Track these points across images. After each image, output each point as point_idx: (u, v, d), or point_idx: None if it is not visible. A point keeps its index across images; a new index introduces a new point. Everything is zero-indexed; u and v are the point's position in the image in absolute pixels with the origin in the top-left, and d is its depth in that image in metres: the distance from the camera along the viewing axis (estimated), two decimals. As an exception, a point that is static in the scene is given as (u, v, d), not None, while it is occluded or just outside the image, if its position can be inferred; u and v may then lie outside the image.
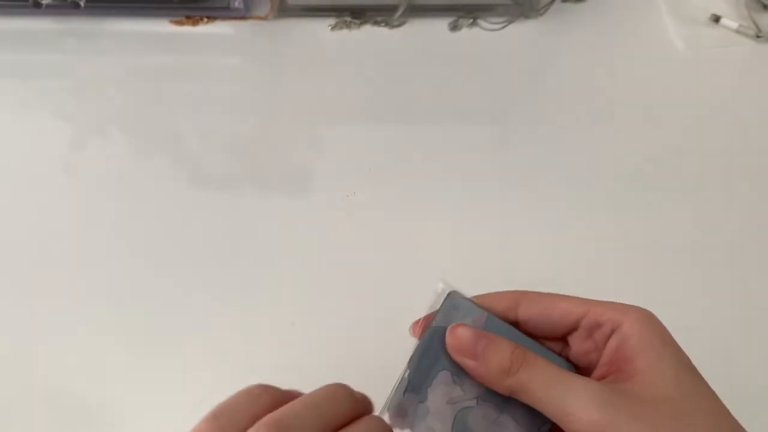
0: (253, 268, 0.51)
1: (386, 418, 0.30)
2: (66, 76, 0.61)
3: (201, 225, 0.53)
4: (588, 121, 0.59)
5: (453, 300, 0.32)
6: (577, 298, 0.31)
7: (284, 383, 0.46)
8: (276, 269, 0.51)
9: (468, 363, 0.29)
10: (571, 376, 0.27)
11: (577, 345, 0.31)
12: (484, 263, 0.51)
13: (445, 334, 0.31)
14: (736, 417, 0.27)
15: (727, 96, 0.60)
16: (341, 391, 0.28)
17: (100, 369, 0.47)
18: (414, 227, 0.53)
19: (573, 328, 0.31)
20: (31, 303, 0.50)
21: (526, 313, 0.31)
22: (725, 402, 0.27)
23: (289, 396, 0.28)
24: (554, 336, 0.32)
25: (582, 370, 0.31)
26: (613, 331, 0.29)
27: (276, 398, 0.28)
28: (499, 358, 0.28)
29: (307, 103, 0.59)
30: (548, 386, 0.27)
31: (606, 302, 0.30)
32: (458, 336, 0.30)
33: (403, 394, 0.31)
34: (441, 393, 0.31)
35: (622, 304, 0.30)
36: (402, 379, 0.31)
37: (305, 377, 0.46)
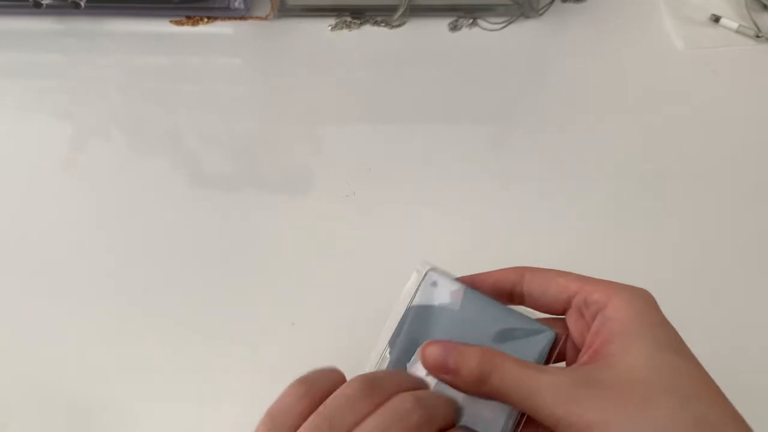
0: (253, 268, 0.51)
1: None
2: (66, 76, 0.61)
3: (201, 225, 0.53)
4: (588, 121, 0.59)
5: (431, 277, 0.33)
6: (576, 274, 0.31)
7: (284, 383, 0.46)
8: (276, 269, 0.51)
9: (443, 377, 0.30)
10: (536, 374, 0.28)
11: (572, 324, 0.31)
12: (484, 263, 0.51)
13: (423, 313, 0.32)
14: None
15: (727, 96, 0.60)
16: (367, 381, 0.28)
17: (100, 369, 0.47)
18: (414, 227, 0.53)
19: (567, 305, 0.31)
20: (30, 302, 0.50)
21: (527, 287, 0.32)
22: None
23: (326, 387, 0.29)
24: (554, 311, 0.32)
25: (579, 347, 0.31)
26: (598, 311, 0.29)
27: (318, 392, 0.28)
28: (468, 369, 0.29)
29: (307, 103, 0.59)
30: (517, 387, 0.27)
31: (600, 281, 0.30)
32: (429, 355, 0.30)
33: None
34: (420, 368, 0.31)
35: (615, 283, 0.30)
36: (382, 357, 0.32)
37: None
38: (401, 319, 0.32)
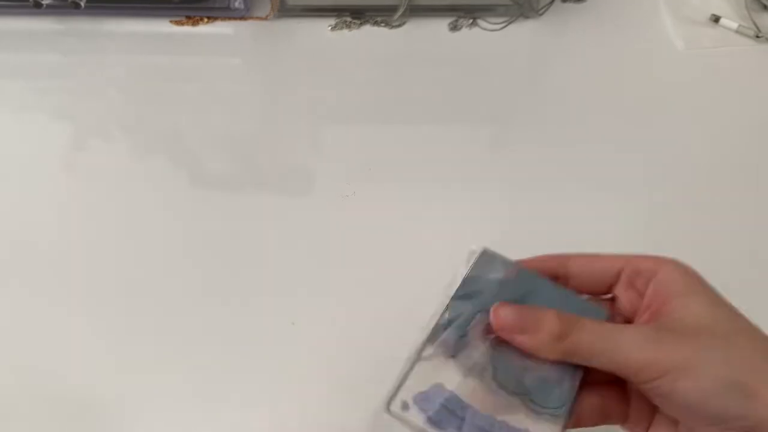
0: (253, 268, 0.51)
1: (428, 349, 0.32)
2: (66, 76, 0.61)
3: (201, 225, 0.53)
4: (588, 121, 0.59)
5: (486, 256, 0.34)
6: (616, 254, 0.33)
7: (285, 383, 0.46)
8: (276, 269, 0.51)
9: (518, 338, 0.31)
10: (616, 327, 0.30)
11: (622, 294, 0.33)
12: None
13: (478, 283, 0.33)
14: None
15: (727, 96, 0.60)
16: None
17: (100, 368, 0.47)
18: (414, 227, 0.53)
19: (615, 280, 0.33)
20: (30, 302, 0.50)
21: (572, 268, 0.34)
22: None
23: None
24: (600, 290, 0.34)
25: (629, 319, 0.33)
26: (650, 279, 0.31)
27: None
28: (549, 327, 0.30)
29: (307, 103, 0.59)
30: (600, 341, 0.29)
31: (643, 255, 0.33)
32: (502, 316, 0.31)
33: (444, 330, 0.32)
34: (479, 331, 0.32)
35: (658, 255, 0.32)
36: (440, 321, 0.33)
37: (305, 377, 0.47)
38: (457, 290, 0.34)
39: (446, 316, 0.33)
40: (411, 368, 0.32)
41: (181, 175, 0.55)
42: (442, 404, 0.31)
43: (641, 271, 0.32)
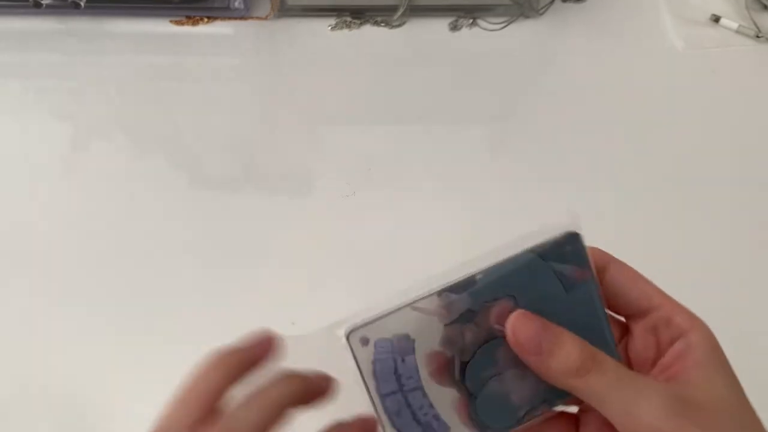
0: (253, 268, 0.51)
1: (428, 301, 0.28)
2: (66, 76, 0.61)
3: (201, 225, 0.53)
4: (588, 121, 0.59)
5: (572, 241, 0.29)
6: (657, 287, 0.30)
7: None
8: (276, 269, 0.51)
9: (530, 358, 0.27)
10: (638, 377, 0.27)
11: (640, 335, 0.30)
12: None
13: (536, 266, 0.28)
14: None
15: (727, 96, 0.60)
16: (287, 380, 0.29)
17: (99, 368, 0.47)
18: (414, 227, 0.53)
19: (642, 315, 0.30)
20: (29, 302, 0.50)
21: (610, 279, 0.30)
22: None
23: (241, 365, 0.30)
24: (622, 312, 0.31)
25: (634, 363, 0.30)
26: (680, 336, 0.29)
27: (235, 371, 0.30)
28: (565, 358, 0.27)
29: (307, 103, 0.59)
30: (617, 387, 0.26)
31: (682, 306, 0.30)
32: (522, 329, 0.27)
33: (463, 291, 0.28)
34: (492, 315, 0.28)
35: (691, 312, 0.30)
36: (469, 278, 0.28)
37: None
38: (513, 258, 0.28)
39: (478, 276, 0.28)
40: (397, 310, 0.28)
41: (180, 174, 0.55)
42: (394, 365, 0.28)
43: (673, 324, 0.29)
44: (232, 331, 0.48)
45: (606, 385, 0.26)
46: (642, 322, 0.30)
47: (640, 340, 0.30)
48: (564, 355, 0.27)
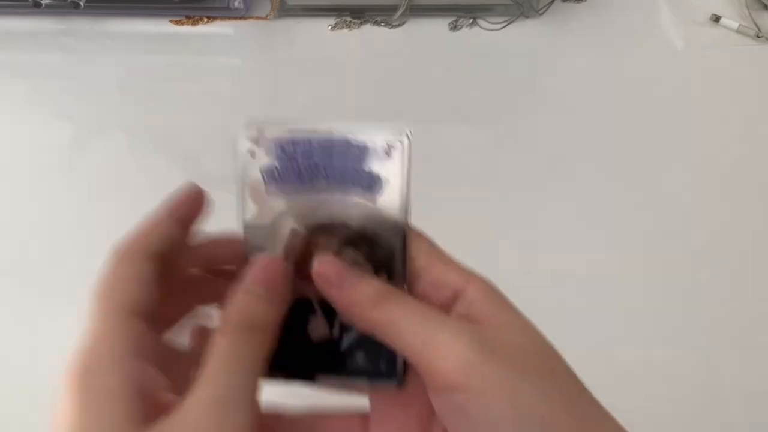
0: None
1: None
2: (66, 76, 0.61)
3: (200, 224, 0.53)
4: (588, 121, 0.59)
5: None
6: (430, 247, 0.30)
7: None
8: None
9: (331, 291, 0.27)
10: (442, 314, 0.26)
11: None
12: (484, 263, 0.51)
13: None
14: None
15: (728, 96, 0.60)
16: None
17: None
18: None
19: (411, 286, 0.29)
20: (29, 302, 0.50)
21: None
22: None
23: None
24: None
25: None
26: (456, 297, 0.28)
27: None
28: (366, 290, 0.26)
29: (307, 103, 0.59)
30: (419, 318, 0.25)
31: (451, 262, 0.29)
32: (323, 271, 0.27)
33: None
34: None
35: (462, 268, 0.29)
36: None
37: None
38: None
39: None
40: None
41: (180, 174, 0.55)
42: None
43: (443, 285, 0.28)
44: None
45: (407, 315, 0.26)
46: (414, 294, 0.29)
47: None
48: (365, 286, 0.26)
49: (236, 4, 0.62)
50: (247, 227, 0.29)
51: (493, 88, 0.60)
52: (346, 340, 0.29)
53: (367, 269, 0.29)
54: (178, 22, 0.63)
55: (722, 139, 0.58)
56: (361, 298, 0.26)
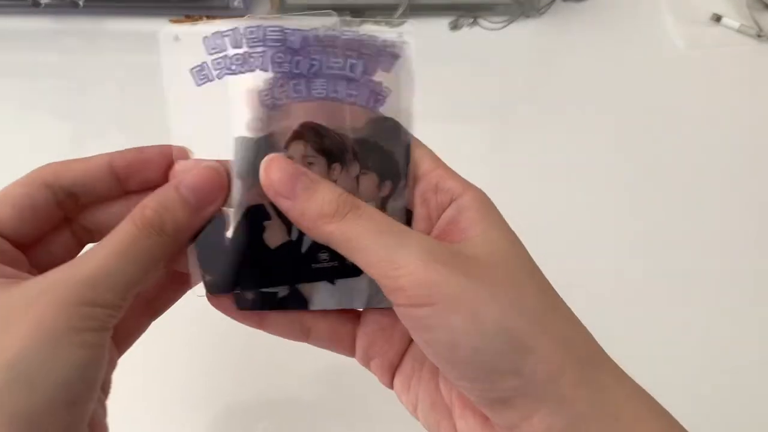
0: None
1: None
2: (66, 76, 0.61)
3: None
4: (588, 121, 0.58)
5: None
6: (430, 153, 0.30)
7: (285, 384, 0.46)
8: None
9: (283, 203, 0.25)
10: (404, 229, 0.25)
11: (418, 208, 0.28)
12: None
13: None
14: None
15: (729, 95, 0.60)
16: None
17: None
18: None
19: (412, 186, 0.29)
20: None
21: None
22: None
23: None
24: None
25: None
26: (451, 201, 0.27)
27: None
28: (321, 202, 0.25)
29: (307, 102, 0.59)
30: (378, 235, 0.24)
31: (451, 170, 0.29)
32: (272, 175, 0.25)
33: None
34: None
35: (463, 179, 0.28)
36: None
37: (306, 376, 0.46)
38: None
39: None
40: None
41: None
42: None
43: (442, 188, 0.28)
44: (230, 329, 0.48)
45: (364, 230, 0.24)
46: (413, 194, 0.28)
47: (419, 211, 0.28)
48: (319, 198, 0.25)
49: (236, 3, 0.62)
50: (239, 139, 0.28)
51: (494, 88, 0.60)
52: (306, 241, 0.27)
53: (319, 162, 0.27)
54: (178, 22, 0.63)
55: (723, 139, 0.58)
56: (315, 211, 0.25)
